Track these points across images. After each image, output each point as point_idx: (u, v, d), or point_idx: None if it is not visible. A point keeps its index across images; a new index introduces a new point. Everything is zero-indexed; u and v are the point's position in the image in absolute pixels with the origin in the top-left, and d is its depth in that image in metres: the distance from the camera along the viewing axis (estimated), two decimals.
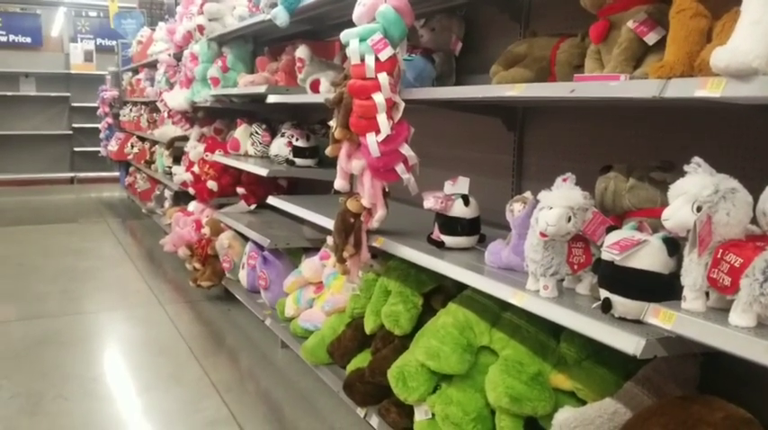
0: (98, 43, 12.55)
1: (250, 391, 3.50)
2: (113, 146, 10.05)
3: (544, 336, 2.28)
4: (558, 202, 1.87)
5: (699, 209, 1.52)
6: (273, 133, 4.82)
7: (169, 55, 6.62)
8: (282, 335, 3.86)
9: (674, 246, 1.68)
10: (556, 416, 1.95)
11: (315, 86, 3.77)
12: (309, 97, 3.74)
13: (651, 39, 1.85)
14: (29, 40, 12.10)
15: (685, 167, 1.60)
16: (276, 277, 4.12)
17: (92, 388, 3.49)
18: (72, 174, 12.48)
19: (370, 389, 2.80)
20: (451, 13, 3.19)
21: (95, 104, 11.37)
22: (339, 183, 2.83)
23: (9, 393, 3.39)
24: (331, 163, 3.01)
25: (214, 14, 5.20)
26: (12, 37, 11.96)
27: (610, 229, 1.84)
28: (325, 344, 3.21)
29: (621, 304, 1.70)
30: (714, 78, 1.45)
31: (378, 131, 2.56)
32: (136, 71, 9.47)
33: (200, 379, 3.62)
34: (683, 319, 1.52)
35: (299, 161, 4.29)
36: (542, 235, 1.89)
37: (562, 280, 1.98)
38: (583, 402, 2.06)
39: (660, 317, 1.56)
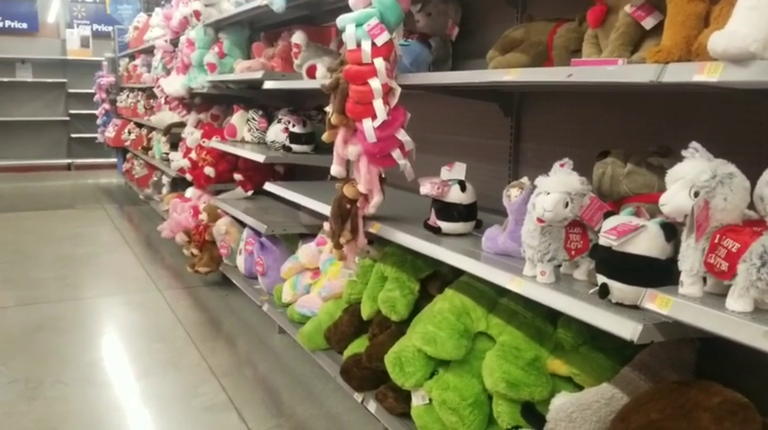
0: (94, 29, 12.48)
1: (248, 376, 3.50)
2: (110, 132, 10.01)
3: (541, 322, 2.29)
4: (556, 188, 1.86)
5: (696, 194, 1.51)
6: (270, 119, 4.81)
7: (166, 41, 6.58)
8: (280, 320, 3.87)
9: (671, 231, 1.68)
10: (553, 402, 1.96)
11: (311, 72, 3.75)
12: (306, 83, 3.72)
13: (649, 23, 1.84)
14: (25, 25, 12.02)
15: (683, 152, 1.59)
16: (273, 263, 4.12)
17: (90, 373, 3.50)
18: (69, 161, 12.46)
19: (367, 375, 2.81)
20: None
21: (92, 90, 11.31)
22: (335, 169, 2.83)
23: (8, 379, 3.40)
24: (328, 149, 3.00)
25: (210, 0, 5.17)
26: (8, 22, 11.87)
27: (607, 215, 1.84)
28: (322, 330, 3.22)
29: (619, 289, 1.70)
30: (712, 63, 1.44)
31: (374, 117, 2.55)
32: (132, 57, 9.41)
33: (197, 364, 3.63)
34: (679, 304, 1.51)
35: (295, 147, 4.29)
36: (539, 220, 1.88)
37: (559, 265, 1.97)
38: (580, 387, 2.07)
39: (657, 302, 1.56)
